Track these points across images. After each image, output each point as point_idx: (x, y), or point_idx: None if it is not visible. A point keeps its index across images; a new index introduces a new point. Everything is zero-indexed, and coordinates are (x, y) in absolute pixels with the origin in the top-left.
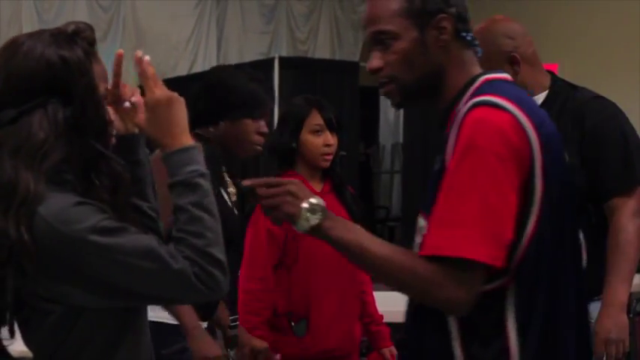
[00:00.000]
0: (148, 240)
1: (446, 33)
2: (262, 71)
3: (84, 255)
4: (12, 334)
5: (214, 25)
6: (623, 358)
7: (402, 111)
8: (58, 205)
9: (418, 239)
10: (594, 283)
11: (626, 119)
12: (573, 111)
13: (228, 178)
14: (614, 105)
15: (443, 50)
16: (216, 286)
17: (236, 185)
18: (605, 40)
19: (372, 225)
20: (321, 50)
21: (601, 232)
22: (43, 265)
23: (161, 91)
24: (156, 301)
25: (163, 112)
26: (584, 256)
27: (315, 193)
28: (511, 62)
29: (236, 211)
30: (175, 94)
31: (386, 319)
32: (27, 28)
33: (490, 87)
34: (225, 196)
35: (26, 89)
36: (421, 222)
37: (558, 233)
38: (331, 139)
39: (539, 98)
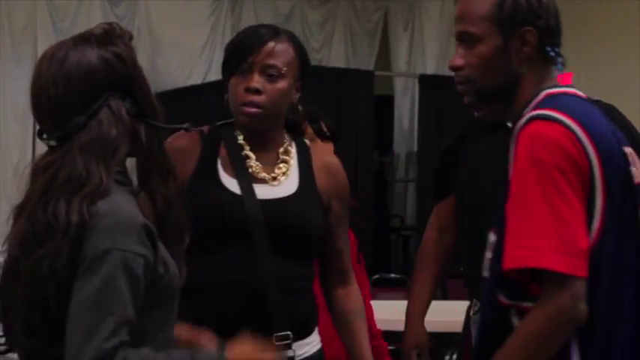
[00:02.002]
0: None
1: (529, 45)
2: None
3: (90, 264)
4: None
5: (229, 34)
6: None
7: (416, 120)
8: (119, 206)
9: (488, 254)
10: None
11: None
12: None
13: (252, 161)
14: None
15: (523, 62)
16: None
17: None
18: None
19: (386, 234)
20: (336, 59)
21: None
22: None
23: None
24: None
25: None
26: None
27: None
28: None
29: (251, 198)
30: None
31: (385, 327)
32: (42, 37)
33: (550, 101)
34: (228, 184)
35: (89, 90)
36: (492, 237)
37: (619, 248)
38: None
39: None
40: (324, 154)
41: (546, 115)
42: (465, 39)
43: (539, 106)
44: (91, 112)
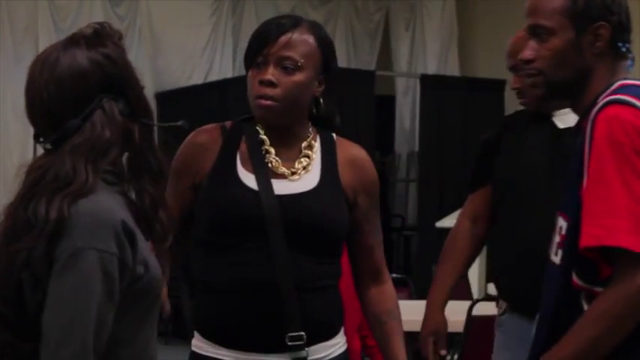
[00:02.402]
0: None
1: (602, 40)
2: None
3: (66, 262)
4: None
5: (230, 34)
6: None
7: (417, 120)
8: (99, 205)
9: (556, 238)
10: None
11: None
12: None
13: (272, 156)
14: None
15: (596, 56)
16: None
17: None
18: None
19: (388, 234)
20: (337, 59)
21: None
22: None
23: None
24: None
25: None
26: None
27: None
28: None
29: (269, 194)
30: None
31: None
32: (43, 37)
33: (625, 89)
34: (245, 179)
35: (82, 93)
36: (560, 222)
37: None
38: None
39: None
40: (351, 147)
41: (624, 100)
42: (537, 32)
43: (615, 92)
44: (85, 115)
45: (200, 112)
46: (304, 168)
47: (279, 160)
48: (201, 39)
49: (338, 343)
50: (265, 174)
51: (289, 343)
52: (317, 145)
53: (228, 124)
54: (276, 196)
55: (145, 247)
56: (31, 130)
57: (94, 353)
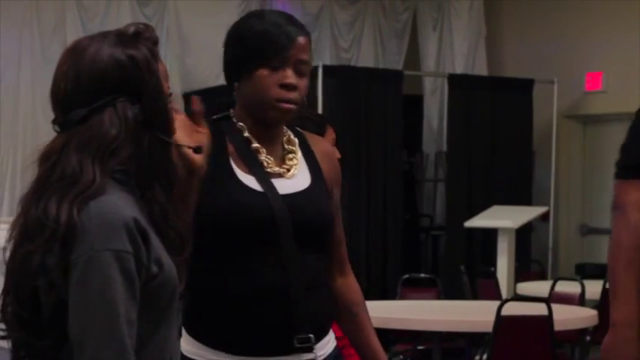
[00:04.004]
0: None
1: None
2: None
3: (85, 266)
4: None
5: None
6: None
7: (445, 119)
8: (110, 205)
9: None
10: None
11: None
12: None
13: (264, 155)
14: None
15: None
16: None
17: None
18: None
19: (416, 233)
20: (365, 59)
21: None
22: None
23: None
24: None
25: None
26: None
27: None
28: None
29: (271, 193)
30: None
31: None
32: (71, 37)
33: None
34: (246, 181)
35: (96, 88)
36: None
37: None
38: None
39: None
40: (320, 140)
41: None
42: None
43: None
44: (93, 108)
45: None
46: (295, 166)
47: (271, 159)
48: None
49: (330, 339)
50: (264, 174)
51: (297, 345)
52: (296, 140)
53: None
54: (281, 196)
55: (159, 246)
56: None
57: (133, 352)
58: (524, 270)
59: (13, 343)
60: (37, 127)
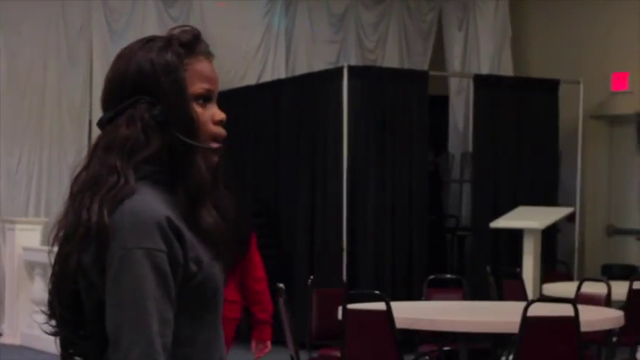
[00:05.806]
0: (163, 316)
1: None
2: (331, 80)
3: (118, 265)
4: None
5: (283, 35)
6: None
7: (471, 120)
8: (143, 204)
9: None
10: None
11: None
12: None
13: None
14: None
15: None
16: None
17: None
18: None
19: (442, 234)
20: (390, 59)
21: None
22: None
23: None
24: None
25: None
26: None
27: None
28: None
29: None
30: None
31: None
32: (97, 38)
33: None
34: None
35: (119, 92)
36: None
37: None
38: None
39: None
40: None
41: None
42: None
43: None
44: (118, 110)
45: (253, 112)
46: None
47: None
48: (254, 40)
49: None
50: None
51: None
52: None
53: None
54: None
55: (196, 245)
56: (85, 130)
57: (163, 352)
58: (550, 271)
59: (61, 342)
60: (62, 127)
